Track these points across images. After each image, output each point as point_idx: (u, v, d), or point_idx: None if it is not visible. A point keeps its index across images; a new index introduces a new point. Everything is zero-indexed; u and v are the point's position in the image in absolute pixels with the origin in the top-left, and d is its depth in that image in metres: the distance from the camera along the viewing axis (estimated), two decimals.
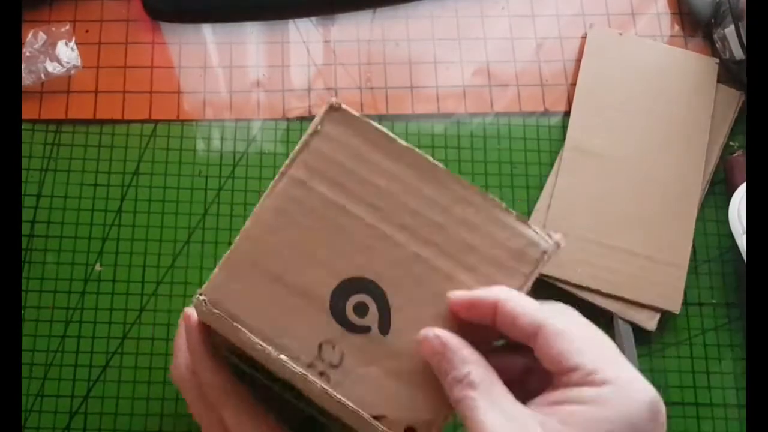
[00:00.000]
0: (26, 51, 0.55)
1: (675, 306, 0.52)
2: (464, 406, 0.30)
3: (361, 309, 0.33)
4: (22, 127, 0.55)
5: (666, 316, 0.52)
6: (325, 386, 0.32)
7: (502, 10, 0.60)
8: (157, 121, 0.56)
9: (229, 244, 0.52)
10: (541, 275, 0.52)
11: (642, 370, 0.51)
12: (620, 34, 0.59)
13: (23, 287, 0.52)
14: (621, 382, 0.30)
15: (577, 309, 0.52)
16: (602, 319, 0.52)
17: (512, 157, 0.56)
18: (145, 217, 0.54)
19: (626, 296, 0.52)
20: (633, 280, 0.52)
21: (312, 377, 0.32)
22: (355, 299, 0.33)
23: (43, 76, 0.54)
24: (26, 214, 0.53)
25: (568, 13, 0.60)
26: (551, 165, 0.56)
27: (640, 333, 0.52)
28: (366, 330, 0.33)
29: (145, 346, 0.51)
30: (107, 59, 0.57)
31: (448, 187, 0.34)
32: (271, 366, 0.33)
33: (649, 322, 0.52)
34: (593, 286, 0.52)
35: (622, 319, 0.52)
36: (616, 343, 0.51)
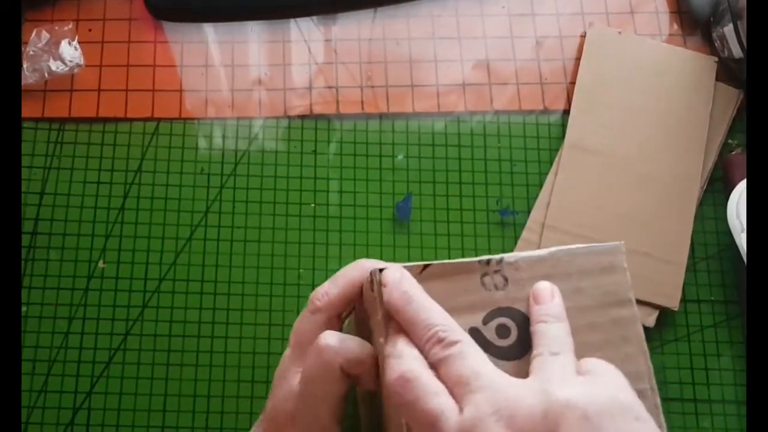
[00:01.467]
0: (29, 50, 0.55)
1: (674, 303, 0.52)
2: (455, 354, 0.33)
3: None
4: (26, 125, 0.55)
5: (665, 313, 0.53)
6: None
7: (502, 9, 0.61)
8: (159, 119, 0.56)
9: (231, 242, 0.54)
10: None
11: None
12: (619, 32, 0.59)
13: (27, 284, 0.52)
14: None
15: None
16: None
17: (512, 155, 0.57)
18: (147, 214, 0.54)
19: None
20: (632, 278, 0.52)
21: None
22: None
23: (46, 74, 0.55)
24: (29, 212, 0.54)
25: (568, 12, 0.61)
26: (550, 163, 0.56)
27: None
28: None
29: (147, 343, 0.51)
30: (110, 58, 0.58)
31: None
32: None
33: (648, 318, 0.52)
34: None
35: None
36: None
